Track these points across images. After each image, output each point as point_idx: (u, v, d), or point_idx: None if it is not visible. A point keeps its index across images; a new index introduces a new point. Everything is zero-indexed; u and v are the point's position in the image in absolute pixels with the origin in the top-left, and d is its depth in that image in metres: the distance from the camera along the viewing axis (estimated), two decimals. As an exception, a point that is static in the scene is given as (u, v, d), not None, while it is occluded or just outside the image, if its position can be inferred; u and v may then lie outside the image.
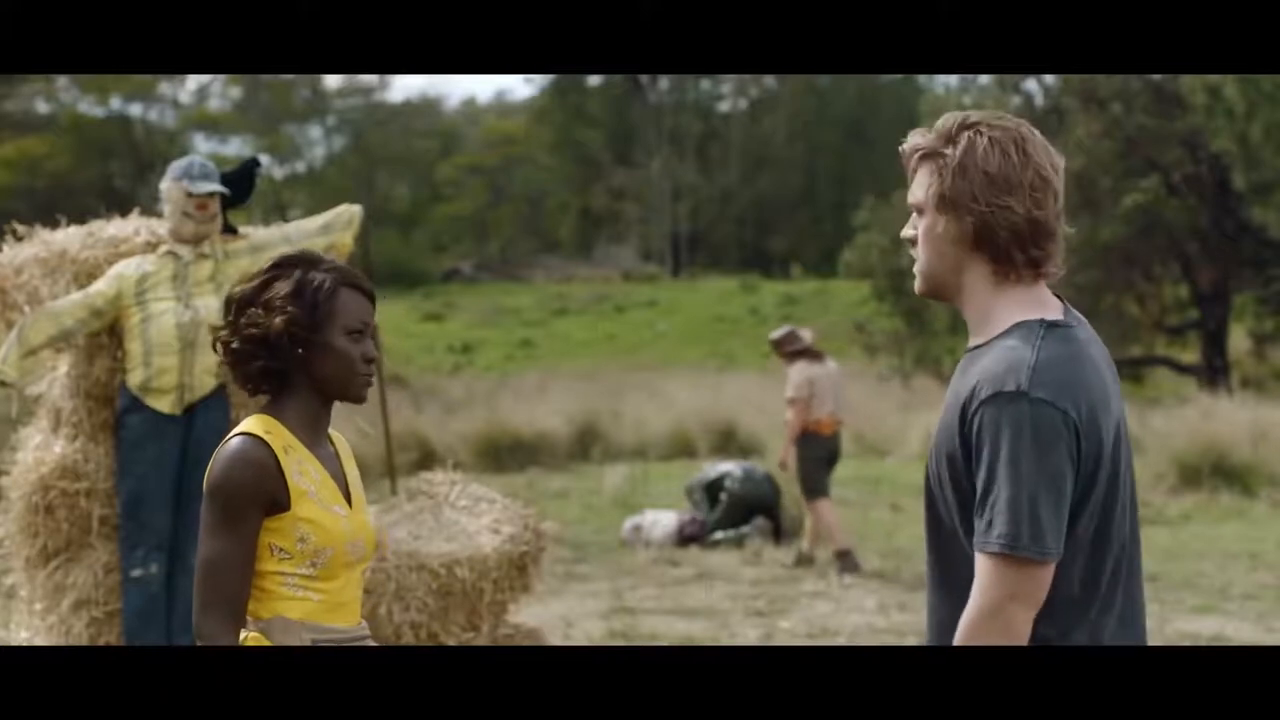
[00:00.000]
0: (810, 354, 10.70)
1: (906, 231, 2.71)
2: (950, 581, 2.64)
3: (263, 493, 2.82)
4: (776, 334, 10.99)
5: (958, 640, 2.53)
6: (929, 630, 2.72)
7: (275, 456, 2.84)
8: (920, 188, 2.66)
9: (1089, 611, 2.59)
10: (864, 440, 18.01)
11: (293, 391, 2.91)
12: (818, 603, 9.20)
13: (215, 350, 2.95)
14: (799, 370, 10.59)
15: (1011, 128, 2.60)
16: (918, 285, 2.72)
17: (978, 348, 2.64)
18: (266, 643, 2.84)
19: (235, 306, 2.92)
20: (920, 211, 2.66)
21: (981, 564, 2.51)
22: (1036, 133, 2.62)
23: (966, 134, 2.59)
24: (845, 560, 10.36)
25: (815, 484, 10.60)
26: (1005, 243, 2.58)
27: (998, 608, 2.49)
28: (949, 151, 2.60)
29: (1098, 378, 2.59)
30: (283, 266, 2.92)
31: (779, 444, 11.68)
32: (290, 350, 2.87)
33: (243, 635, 2.85)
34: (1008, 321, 2.60)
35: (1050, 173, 2.59)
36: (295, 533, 2.84)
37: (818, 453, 10.57)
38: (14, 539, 5.93)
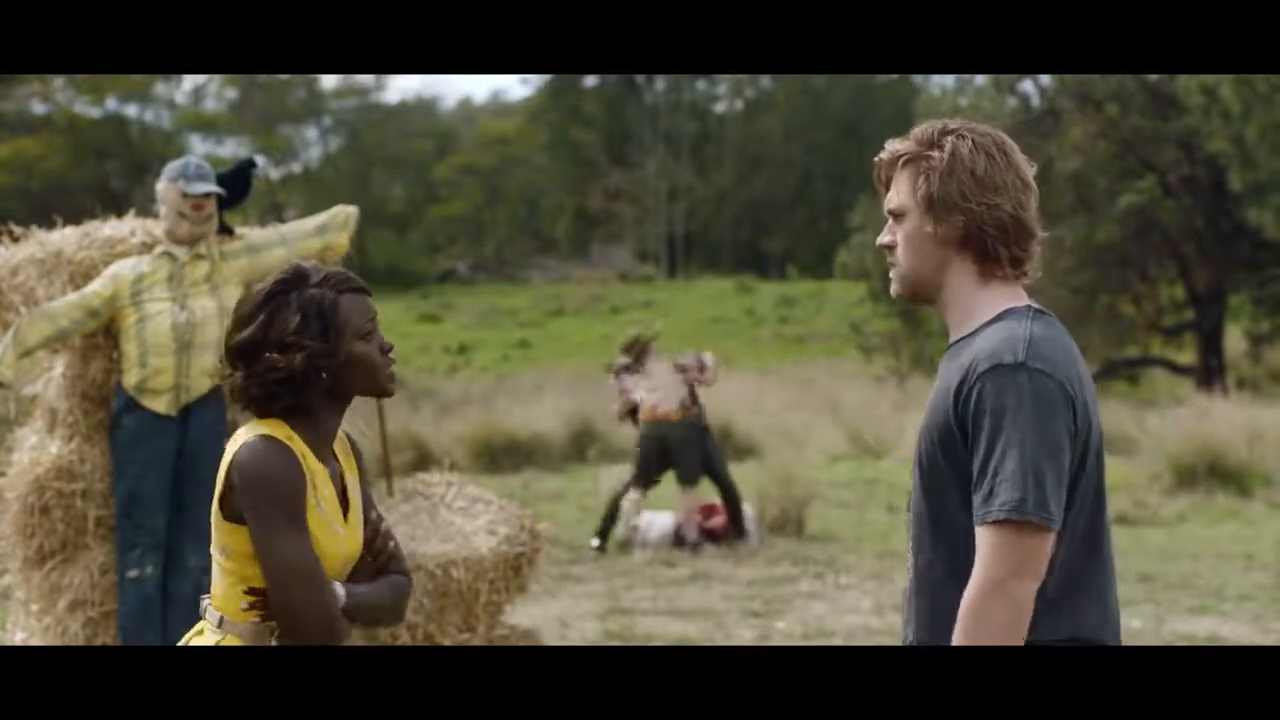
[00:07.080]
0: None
1: (884, 238, 2.76)
2: (950, 568, 2.63)
3: (304, 485, 2.79)
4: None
5: (963, 616, 2.52)
6: (917, 624, 2.71)
7: (300, 462, 2.82)
8: (902, 193, 2.71)
9: (1100, 582, 2.61)
10: (860, 441, 17.98)
11: (308, 406, 2.87)
12: (813, 604, 9.20)
13: (233, 399, 2.88)
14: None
15: (991, 133, 2.69)
16: (895, 288, 2.78)
17: (962, 339, 2.68)
18: (239, 644, 2.82)
19: (243, 352, 2.83)
20: (899, 216, 2.72)
21: (984, 536, 2.51)
22: (1010, 140, 2.71)
23: (949, 139, 2.66)
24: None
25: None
26: (991, 241, 2.65)
27: (1002, 580, 2.49)
28: (934, 155, 2.66)
29: (1081, 361, 2.66)
30: (275, 297, 2.84)
31: (775, 444, 11.75)
32: (316, 380, 2.84)
33: (215, 638, 2.84)
34: (992, 312, 2.66)
35: (1028, 175, 2.69)
36: None
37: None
38: (10, 540, 5.93)
